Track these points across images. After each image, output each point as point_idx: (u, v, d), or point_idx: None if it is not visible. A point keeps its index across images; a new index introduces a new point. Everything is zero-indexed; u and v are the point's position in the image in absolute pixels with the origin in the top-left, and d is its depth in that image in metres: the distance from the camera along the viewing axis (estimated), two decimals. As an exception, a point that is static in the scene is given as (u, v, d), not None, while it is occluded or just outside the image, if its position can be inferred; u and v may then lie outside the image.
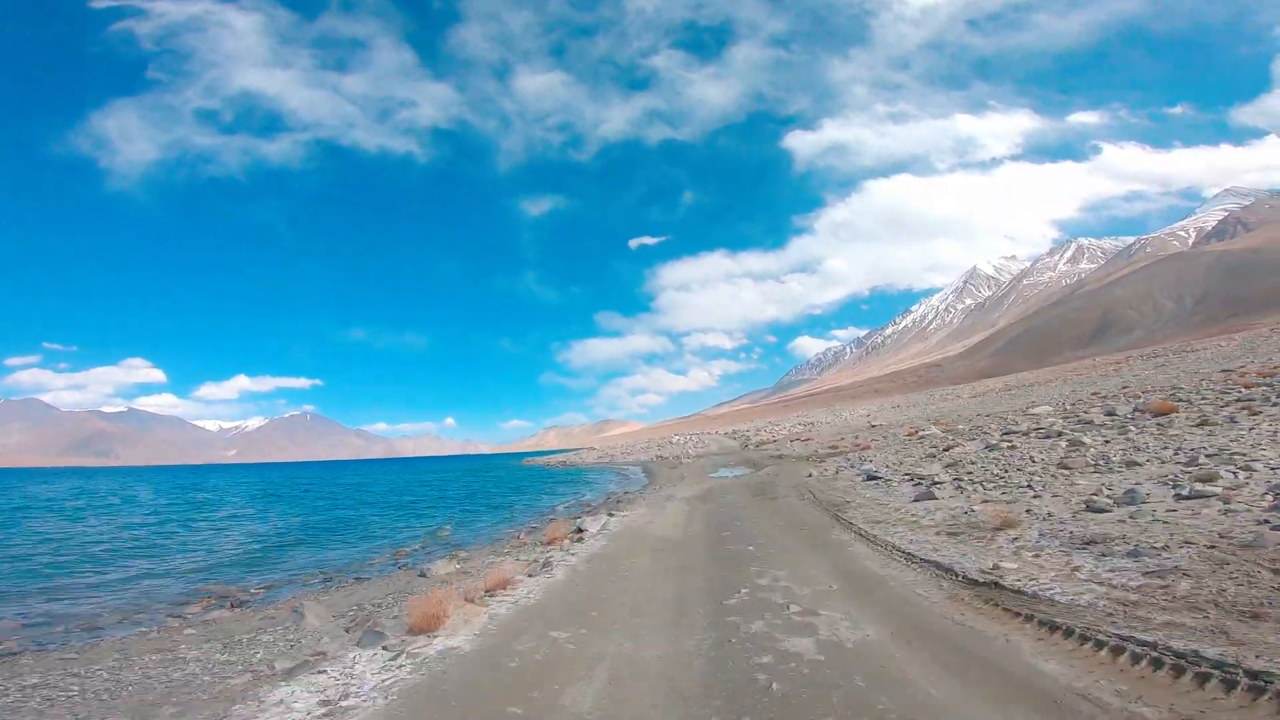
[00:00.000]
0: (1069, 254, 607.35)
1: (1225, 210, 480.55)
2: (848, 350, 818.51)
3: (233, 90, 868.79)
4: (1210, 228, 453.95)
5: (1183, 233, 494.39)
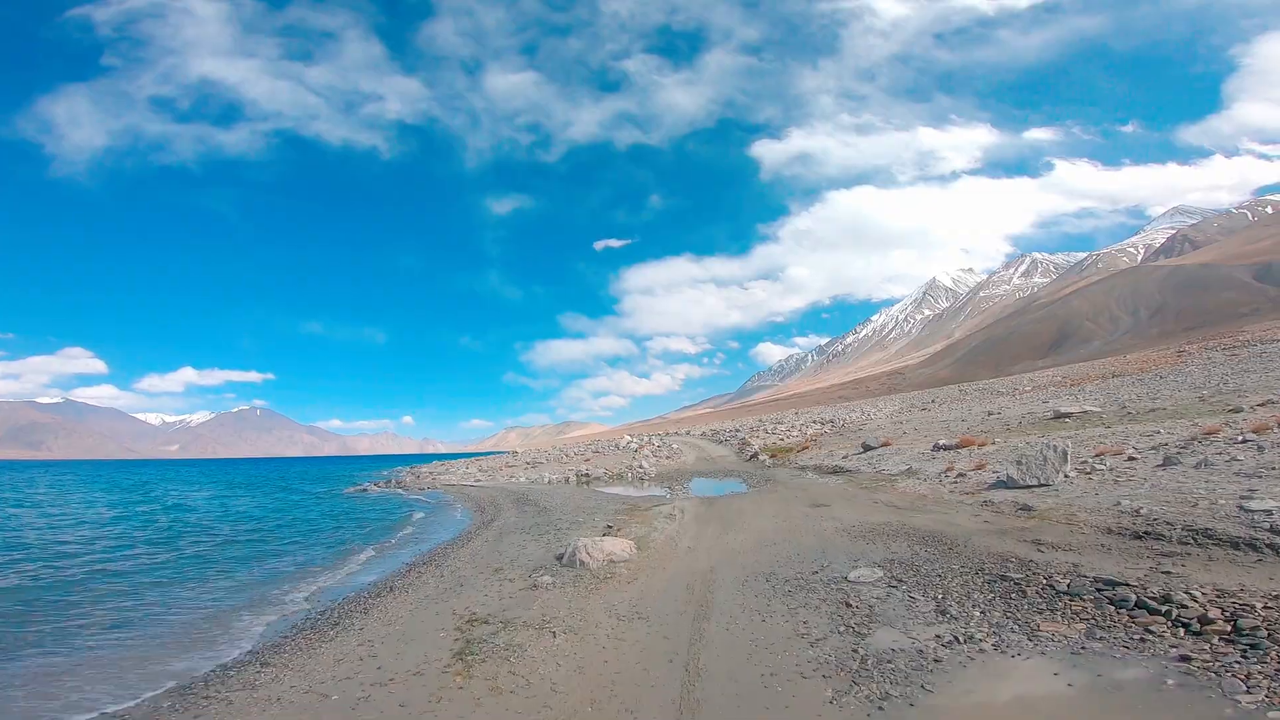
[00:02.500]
0: (1023, 268, 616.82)
1: (1172, 228, 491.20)
2: (809, 357, 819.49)
3: (191, 78, 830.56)
4: (1159, 245, 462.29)
5: (1132, 249, 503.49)
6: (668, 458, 35.39)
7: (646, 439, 49.19)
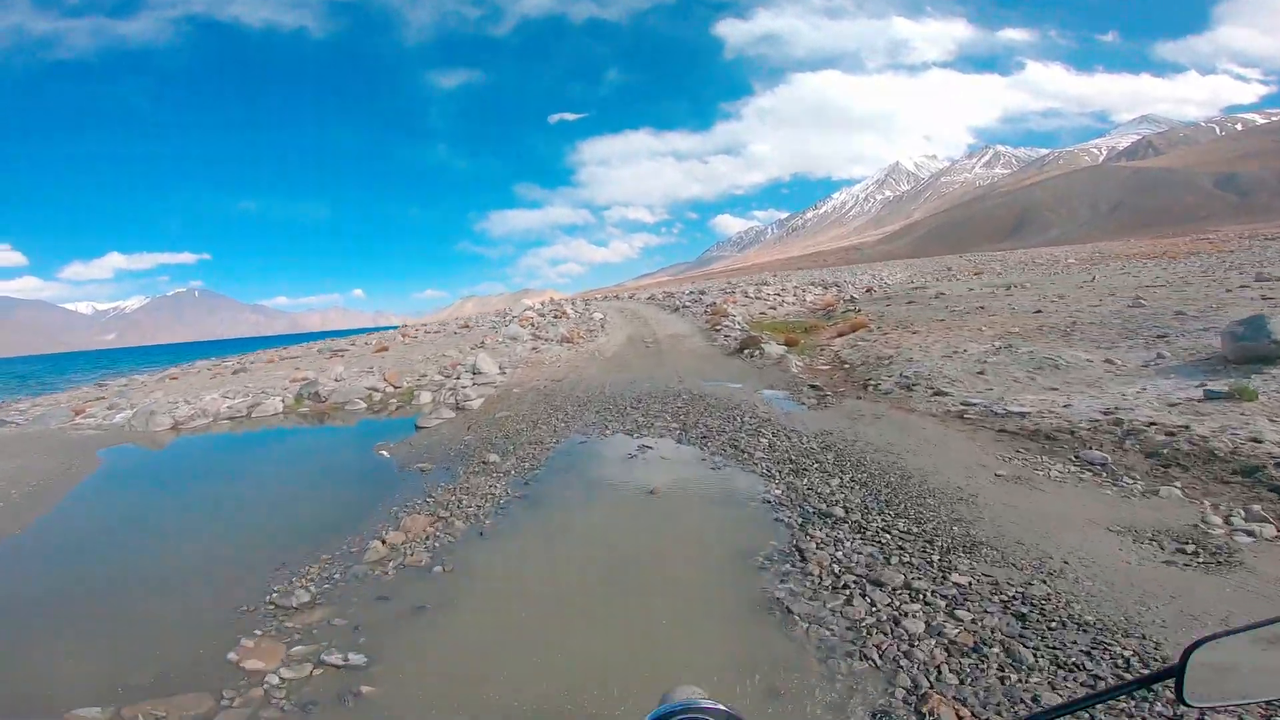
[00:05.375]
0: (986, 158, 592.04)
1: (1138, 134, 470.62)
2: (769, 230, 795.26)
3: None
4: (1123, 147, 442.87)
5: (1095, 150, 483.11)
6: (564, 342, 18.49)
7: (553, 306, 31.03)
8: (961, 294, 20.39)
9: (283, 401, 12.92)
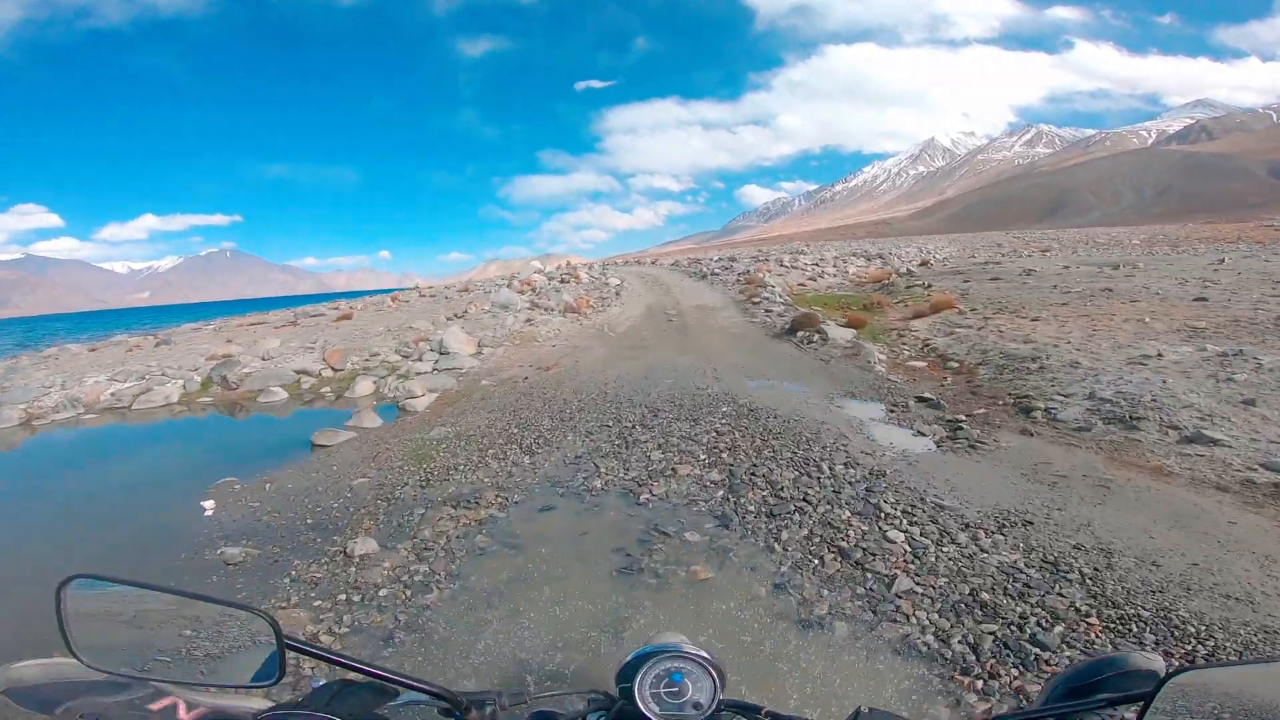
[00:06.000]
0: (1027, 137, 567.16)
1: (1192, 119, 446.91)
2: (796, 202, 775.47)
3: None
4: (1174, 131, 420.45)
5: (1144, 132, 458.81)
6: (569, 312, 14.79)
7: (566, 270, 26.49)
8: (1058, 273, 16.35)
9: (183, 387, 9.61)
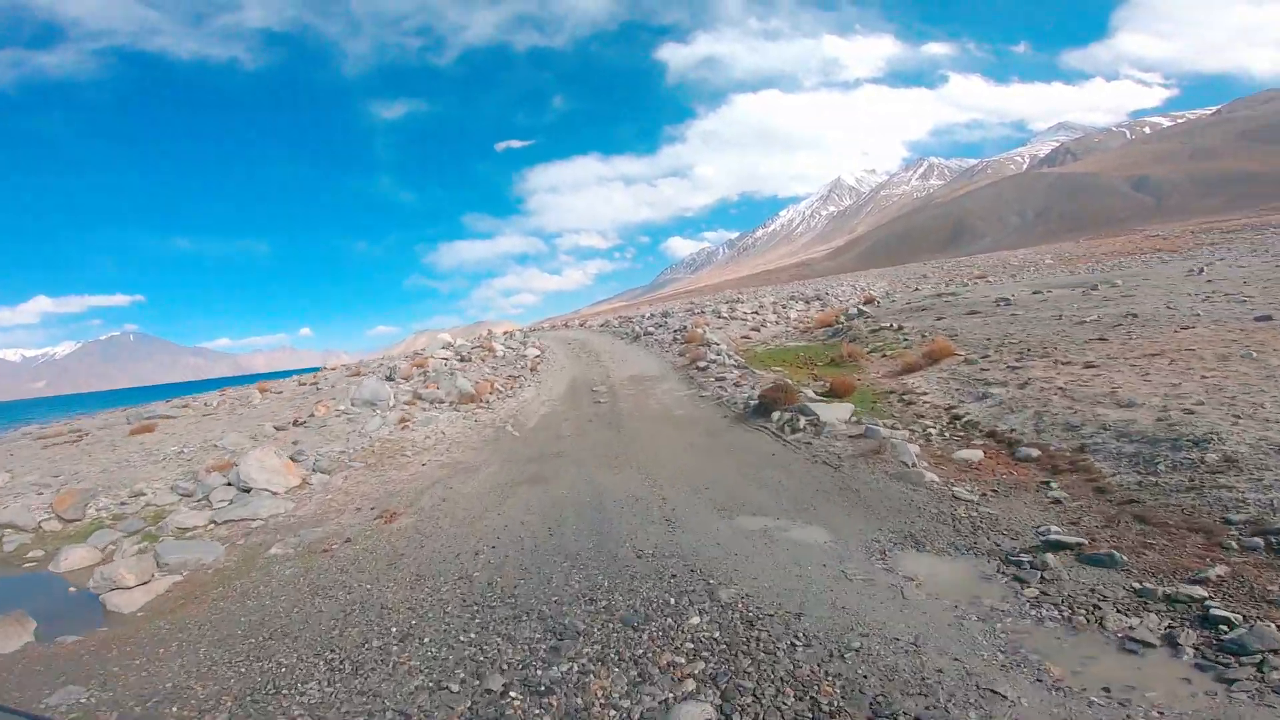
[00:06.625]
0: (921, 170, 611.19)
1: (1057, 141, 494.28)
2: (720, 251, 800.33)
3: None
4: (1043, 155, 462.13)
5: (1019, 158, 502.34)
6: (465, 403, 11.36)
7: (481, 342, 22.25)
8: (1037, 301, 14.16)
9: None
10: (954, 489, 4.71)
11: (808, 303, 29.18)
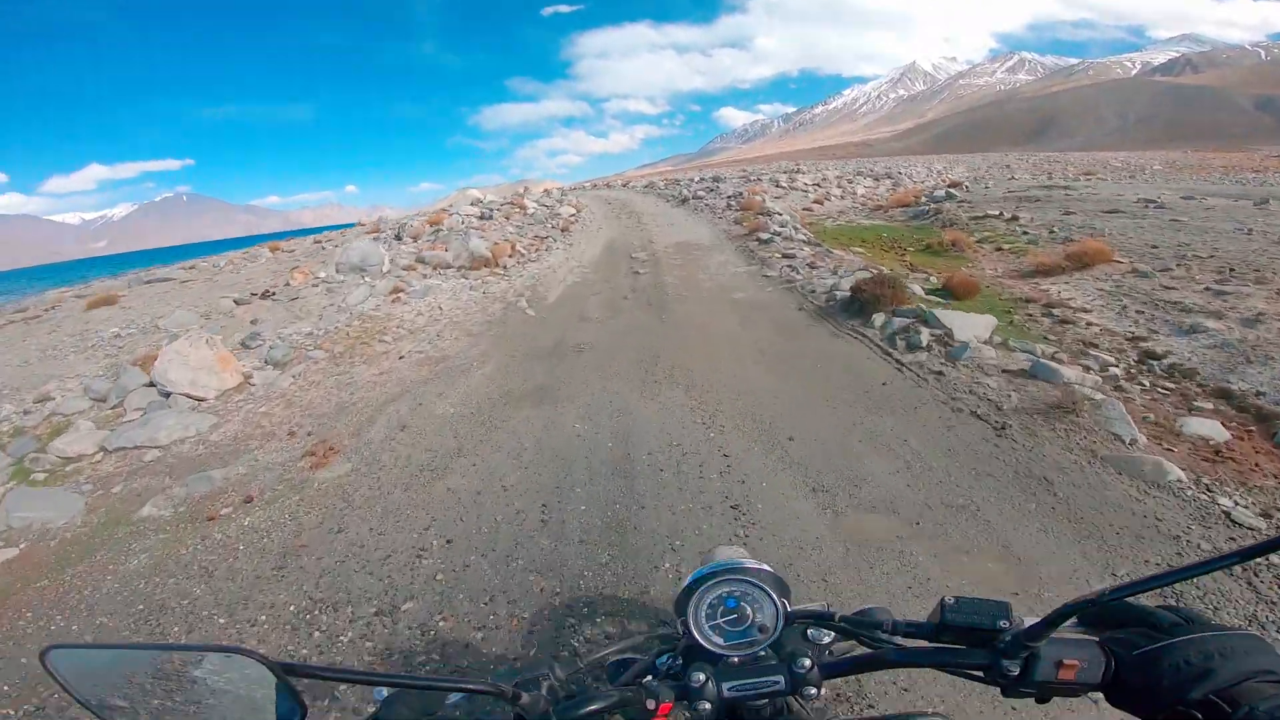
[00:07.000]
0: (1010, 64, 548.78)
1: (1177, 52, 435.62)
2: (775, 124, 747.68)
3: None
4: (1158, 63, 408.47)
5: (1128, 63, 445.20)
6: (475, 268, 9.32)
7: (510, 198, 20.08)
8: (1185, 206, 11.25)
9: None
10: (1218, 500, 2.76)
11: (876, 180, 25.65)
